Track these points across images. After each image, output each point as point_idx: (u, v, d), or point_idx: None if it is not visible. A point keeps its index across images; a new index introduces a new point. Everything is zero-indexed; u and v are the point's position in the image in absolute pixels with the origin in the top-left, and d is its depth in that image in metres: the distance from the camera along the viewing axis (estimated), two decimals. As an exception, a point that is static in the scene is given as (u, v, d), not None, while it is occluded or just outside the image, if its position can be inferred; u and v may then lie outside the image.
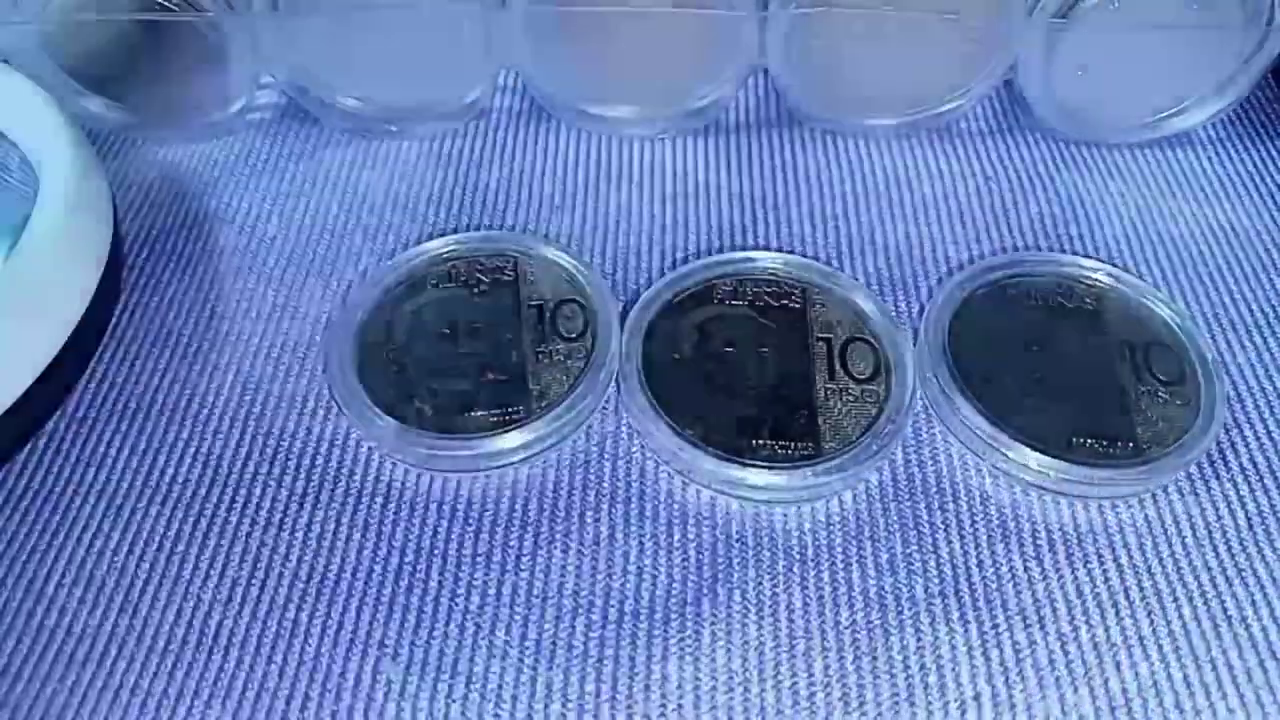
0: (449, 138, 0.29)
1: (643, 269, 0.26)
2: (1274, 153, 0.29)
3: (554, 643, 0.20)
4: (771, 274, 0.25)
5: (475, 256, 0.25)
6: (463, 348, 0.23)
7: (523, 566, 0.21)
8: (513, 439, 0.22)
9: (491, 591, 0.21)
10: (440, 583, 0.21)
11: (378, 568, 0.21)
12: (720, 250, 0.26)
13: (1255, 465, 0.22)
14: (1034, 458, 0.21)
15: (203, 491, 0.22)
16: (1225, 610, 0.20)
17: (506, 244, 0.25)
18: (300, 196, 0.28)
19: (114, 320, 0.25)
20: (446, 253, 0.25)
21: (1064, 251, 0.26)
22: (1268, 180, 0.28)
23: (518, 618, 0.20)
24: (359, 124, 0.29)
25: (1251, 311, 0.25)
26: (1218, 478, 0.22)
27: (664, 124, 0.29)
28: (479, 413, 0.22)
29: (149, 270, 0.26)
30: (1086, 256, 0.26)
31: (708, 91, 0.28)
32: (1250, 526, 0.21)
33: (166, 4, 0.26)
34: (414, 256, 0.25)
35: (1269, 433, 0.23)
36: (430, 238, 0.26)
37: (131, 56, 0.28)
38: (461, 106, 0.29)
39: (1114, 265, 0.26)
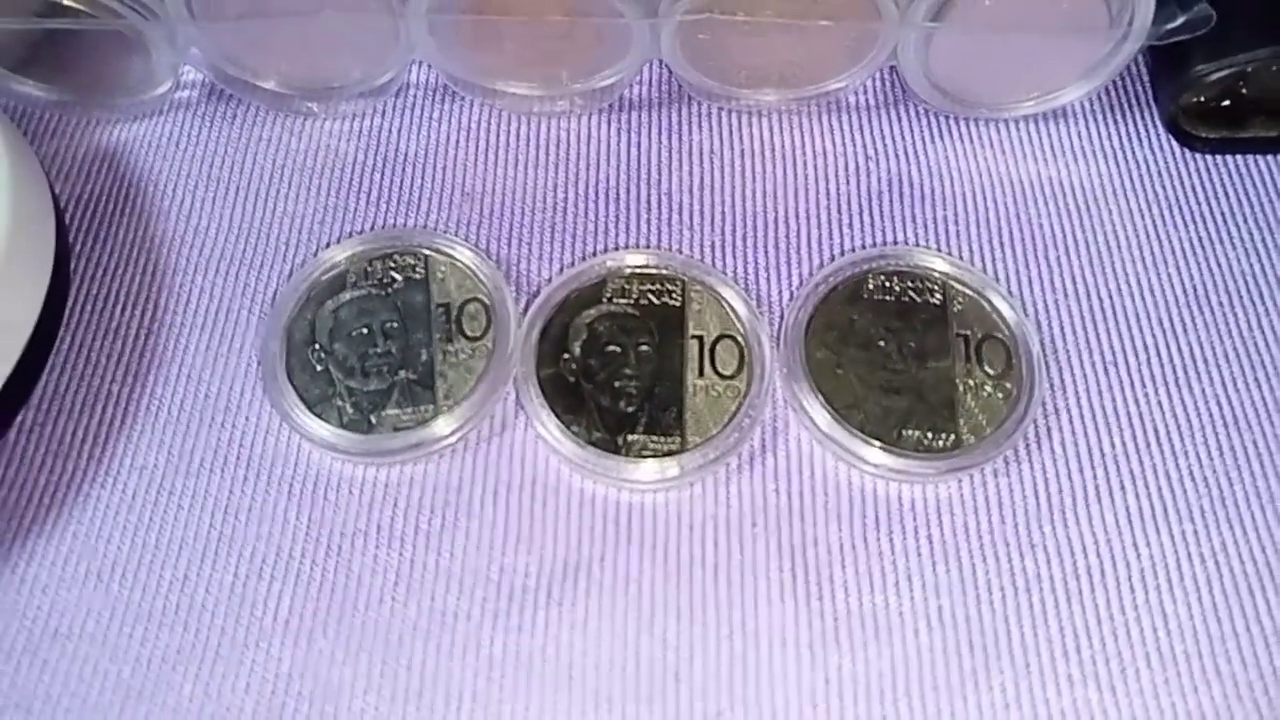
0: (368, 115, 0.31)
1: (544, 259, 0.28)
2: (1143, 123, 0.31)
3: (455, 614, 0.24)
4: (654, 271, 0.27)
5: (389, 254, 0.28)
6: (378, 348, 0.26)
7: (430, 547, 0.25)
8: (422, 434, 0.25)
9: (405, 570, 0.25)
10: (362, 562, 0.25)
11: (309, 548, 0.25)
12: (616, 238, 0.29)
13: (1064, 450, 0.26)
14: (866, 449, 0.25)
15: (159, 479, 0.26)
16: (1014, 581, 0.24)
17: (418, 241, 0.28)
18: (229, 182, 0.30)
19: (67, 313, 0.28)
20: (362, 251, 0.28)
21: (928, 240, 0.29)
22: (1131, 152, 0.30)
23: (426, 592, 0.24)
24: (280, 103, 0.31)
25: (1089, 297, 0.28)
26: (1029, 461, 0.26)
27: (569, 102, 0.31)
28: (392, 411, 0.26)
29: (95, 259, 0.29)
30: (948, 253, 0.28)
31: (610, 74, 0.30)
32: (1049, 505, 0.25)
33: (83, 9, 0.27)
34: (333, 255, 0.28)
35: (1082, 419, 0.26)
36: (349, 230, 0.29)
37: (55, 44, 0.30)
38: (377, 86, 0.30)
39: (965, 259, 0.28)
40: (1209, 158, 0.30)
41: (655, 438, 0.25)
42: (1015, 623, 0.24)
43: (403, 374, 0.26)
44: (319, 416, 0.25)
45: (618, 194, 0.30)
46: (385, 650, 0.24)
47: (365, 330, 0.27)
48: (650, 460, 0.25)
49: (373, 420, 0.26)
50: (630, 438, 0.25)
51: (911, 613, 0.24)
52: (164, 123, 0.31)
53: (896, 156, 0.30)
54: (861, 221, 0.29)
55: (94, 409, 0.27)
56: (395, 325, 0.27)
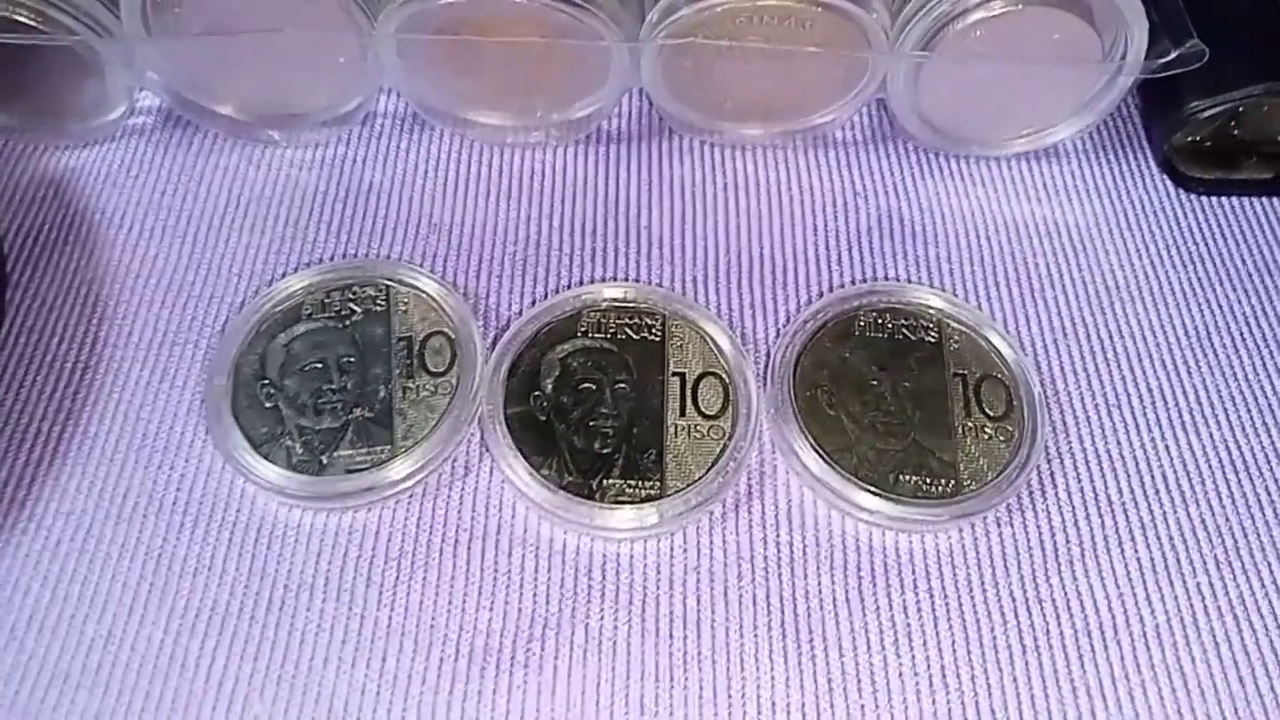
0: (331, 144, 0.29)
1: (515, 293, 0.27)
2: (1137, 163, 0.30)
3: (409, 676, 0.22)
4: (633, 305, 0.26)
5: (348, 285, 0.26)
6: (333, 383, 0.24)
7: (383, 602, 0.23)
8: (376, 477, 0.23)
9: (354, 626, 0.22)
10: (306, 618, 0.22)
11: (249, 602, 0.23)
12: (592, 273, 0.27)
13: (1070, 497, 0.24)
14: (860, 495, 0.23)
15: (86, 524, 0.23)
16: (1021, 638, 0.23)
17: (380, 271, 0.26)
18: (182, 211, 0.28)
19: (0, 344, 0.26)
20: (320, 281, 0.26)
21: (920, 277, 0.27)
22: (1125, 192, 0.29)
23: (377, 652, 0.22)
24: (240, 130, 0.29)
25: (1089, 338, 0.27)
26: (1034, 508, 0.24)
27: (544, 133, 0.29)
28: (345, 452, 0.24)
29: (34, 290, 0.27)
30: (942, 290, 0.27)
31: (588, 104, 0.28)
32: (1056, 556, 0.24)
33: (34, 24, 0.26)
34: (289, 285, 0.26)
35: (1087, 464, 0.25)
36: (307, 261, 0.27)
37: (3, 64, 0.28)
38: (343, 114, 0.29)
39: (959, 297, 0.27)
40: (1204, 198, 0.29)
41: (633, 482, 0.23)
42: (1024, 683, 0.22)
43: (358, 411, 0.24)
44: (265, 457, 0.23)
45: (594, 228, 0.28)
46: (329, 717, 0.21)
47: (319, 365, 0.25)
48: (627, 507, 0.23)
49: (324, 461, 0.23)
50: (605, 482, 0.23)
51: (911, 673, 0.22)
52: (116, 149, 0.29)
53: (886, 193, 0.29)
54: (850, 258, 0.28)
55: (20, 448, 0.24)
56: (352, 359, 0.25)
